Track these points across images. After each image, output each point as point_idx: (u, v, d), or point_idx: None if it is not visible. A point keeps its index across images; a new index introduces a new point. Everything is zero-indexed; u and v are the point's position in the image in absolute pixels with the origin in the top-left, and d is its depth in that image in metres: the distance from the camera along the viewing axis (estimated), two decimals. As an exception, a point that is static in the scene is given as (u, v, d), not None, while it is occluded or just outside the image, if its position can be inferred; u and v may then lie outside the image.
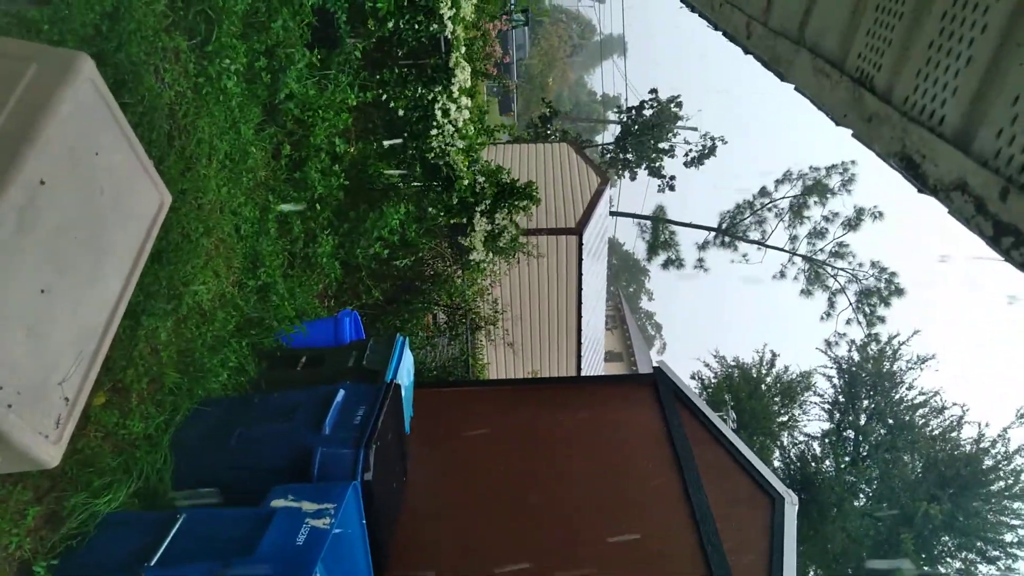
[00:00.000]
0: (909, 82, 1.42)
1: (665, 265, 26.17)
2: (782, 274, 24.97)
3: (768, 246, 25.09)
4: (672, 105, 23.99)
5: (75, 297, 2.79)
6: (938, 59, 1.33)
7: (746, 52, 2.51)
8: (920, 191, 1.38)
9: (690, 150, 24.94)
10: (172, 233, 4.33)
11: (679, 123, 24.29)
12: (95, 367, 2.94)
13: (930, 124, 1.32)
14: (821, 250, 24.15)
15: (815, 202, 24.21)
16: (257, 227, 5.78)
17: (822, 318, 23.60)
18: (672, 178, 24.98)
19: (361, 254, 7.47)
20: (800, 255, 24.42)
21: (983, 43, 1.19)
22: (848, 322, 23.09)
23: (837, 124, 1.82)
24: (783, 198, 24.74)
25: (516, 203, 8.78)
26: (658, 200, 27.34)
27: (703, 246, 25.88)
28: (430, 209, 8.62)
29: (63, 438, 2.75)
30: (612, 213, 24.78)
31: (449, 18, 7.77)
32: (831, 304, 23.63)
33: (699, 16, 3.24)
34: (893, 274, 22.64)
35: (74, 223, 2.76)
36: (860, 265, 23.37)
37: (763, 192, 25.14)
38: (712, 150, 24.88)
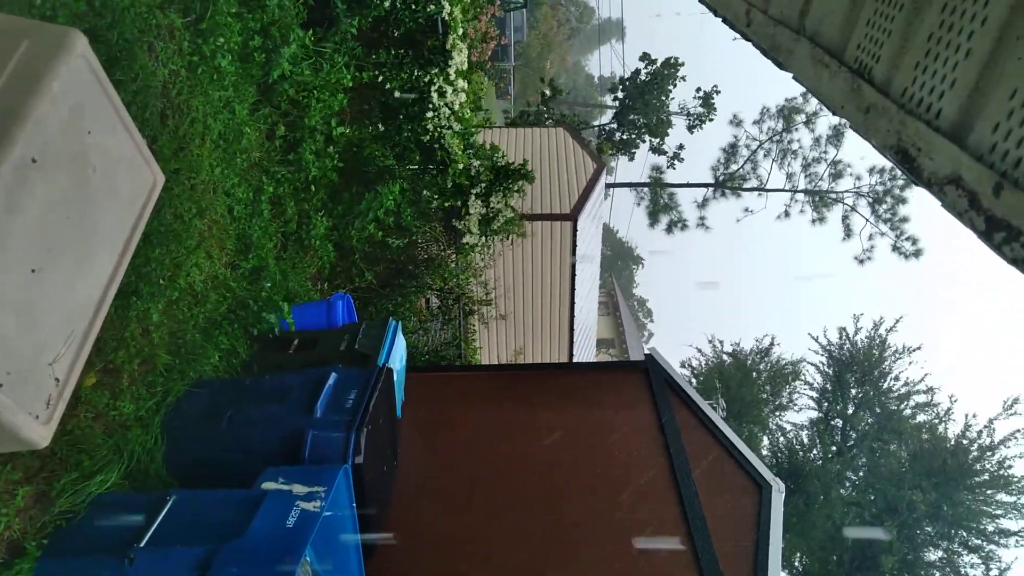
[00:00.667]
0: (907, 74, 1.41)
1: (669, 228, 26.16)
2: (787, 213, 25.08)
3: (767, 190, 25.21)
4: (667, 67, 23.65)
5: (66, 277, 2.77)
6: (937, 51, 1.32)
7: (745, 39, 2.50)
8: (915, 184, 1.38)
9: (689, 112, 24.82)
10: (165, 213, 4.30)
11: (677, 81, 23.88)
12: (86, 348, 2.92)
13: (927, 117, 1.32)
14: (819, 176, 24.24)
15: (801, 127, 24.24)
16: (250, 208, 5.75)
17: (843, 238, 23.79)
18: (680, 147, 24.90)
19: (356, 236, 7.44)
20: (801, 191, 24.51)
21: (982, 36, 1.19)
22: (871, 237, 23.25)
23: (835, 114, 1.82)
24: (768, 140, 24.80)
25: (510, 185, 8.76)
26: (653, 162, 27.16)
27: (703, 203, 25.86)
28: (424, 192, 8.59)
29: (53, 418, 2.74)
30: (609, 185, 24.68)
31: (447, -1, 7.70)
32: (847, 227, 23.78)
33: (698, 1, 3.22)
34: (895, 169, 22.74)
35: (66, 202, 2.73)
36: (859, 179, 23.52)
37: (734, 122, 25.00)
38: (709, 104, 24.68)
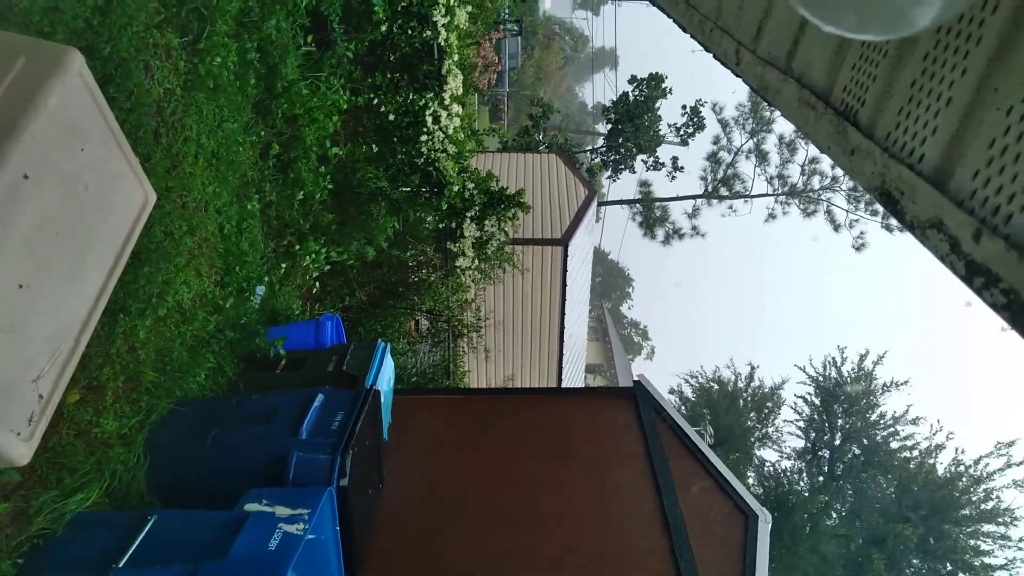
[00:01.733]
0: (891, 119, 1.44)
1: (666, 240, 26.56)
2: (772, 216, 25.71)
3: (751, 196, 25.88)
4: (652, 84, 23.75)
5: (54, 293, 2.76)
6: (920, 98, 1.36)
7: (736, 76, 2.55)
8: (899, 224, 1.41)
9: (681, 127, 25.17)
10: (155, 231, 4.29)
11: (667, 94, 24.12)
12: (71, 365, 2.90)
13: (910, 161, 1.35)
14: (792, 177, 24.85)
15: (764, 130, 24.88)
16: (241, 226, 5.75)
17: (835, 229, 24.49)
18: (675, 159, 25.20)
19: (351, 253, 7.45)
20: (781, 193, 25.18)
21: (962, 86, 1.22)
22: (851, 225, 23.99)
23: (821, 152, 1.85)
24: (749, 137, 25.42)
25: (505, 211, 8.81)
26: (643, 178, 27.46)
27: (693, 213, 26.33)
28: (417, 214, 8.61)
29: (35, 436, 2.72)
30: (601, 203, 24.93)
31: (443, 25, 7.79)
32: (832, 221, 24.39)
33: (690, 37, 3.28)
34: None
35: (56, 218, 2.73)
36: (824, 176, 24.32)
37: (716, 110, 25.43)
38: (698, 116, 25.01)
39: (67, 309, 2.89)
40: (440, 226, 8.74)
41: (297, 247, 6.74)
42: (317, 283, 7.38)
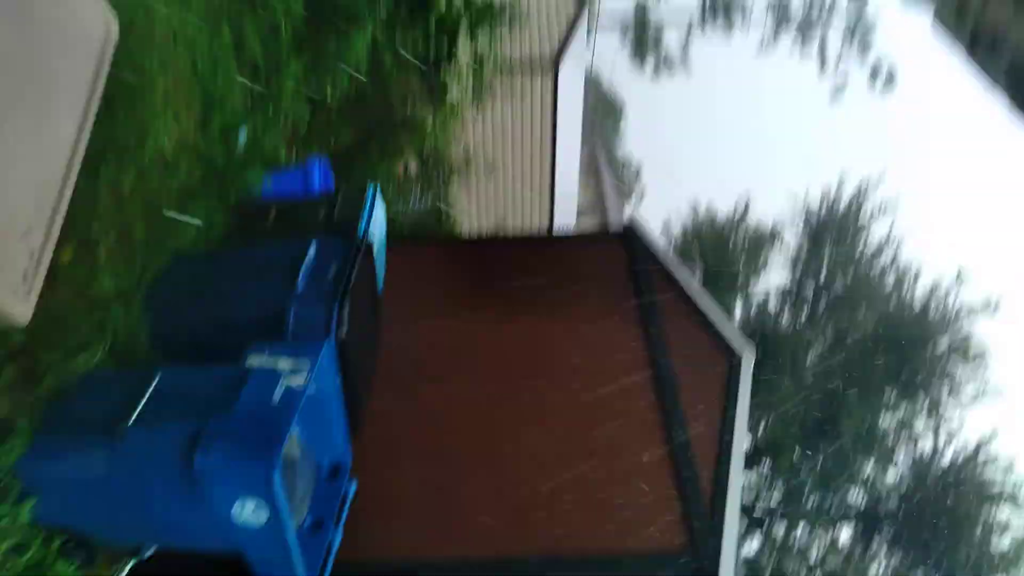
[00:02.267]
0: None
1: (656, 69, 25.80)
2: (762, 43, 25.31)
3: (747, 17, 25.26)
4: None
5: (26, 139, 2.63)
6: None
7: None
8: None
9: None
10: (124, 71, 3.97)
11: None
12: (58, 217, 2.83)
13: None
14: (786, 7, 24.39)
15: None
16: (215, 61, 5.34)
17: (821, 70, 24.31)
18: None
19: (330, 85, 7.02)
20: (780, 21, 24.68)
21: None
22: (837, 66, 23.89)
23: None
24: None
25: (496, 21, 8.25)
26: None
27: (686, 42, 25.53)
28: (399, 35, 8.02)
29: (32, 293, 2.70)
30: (591, 28, 23.90)
31: None
32: (822, 57, 24.17)
33: None
34: None
35: (14, 54, 2.53)
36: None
37: None
38: None
39: (44, 157, 2.77)
40: (429, 51, 8.14)
41: (277, 83, 6.33)
42: (306, 122, 7.01)
